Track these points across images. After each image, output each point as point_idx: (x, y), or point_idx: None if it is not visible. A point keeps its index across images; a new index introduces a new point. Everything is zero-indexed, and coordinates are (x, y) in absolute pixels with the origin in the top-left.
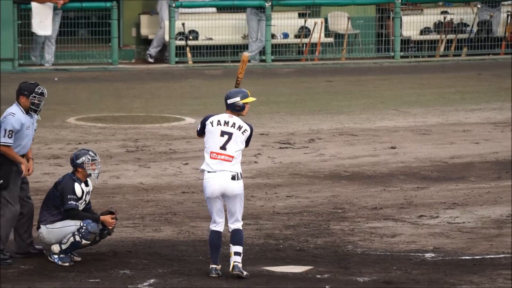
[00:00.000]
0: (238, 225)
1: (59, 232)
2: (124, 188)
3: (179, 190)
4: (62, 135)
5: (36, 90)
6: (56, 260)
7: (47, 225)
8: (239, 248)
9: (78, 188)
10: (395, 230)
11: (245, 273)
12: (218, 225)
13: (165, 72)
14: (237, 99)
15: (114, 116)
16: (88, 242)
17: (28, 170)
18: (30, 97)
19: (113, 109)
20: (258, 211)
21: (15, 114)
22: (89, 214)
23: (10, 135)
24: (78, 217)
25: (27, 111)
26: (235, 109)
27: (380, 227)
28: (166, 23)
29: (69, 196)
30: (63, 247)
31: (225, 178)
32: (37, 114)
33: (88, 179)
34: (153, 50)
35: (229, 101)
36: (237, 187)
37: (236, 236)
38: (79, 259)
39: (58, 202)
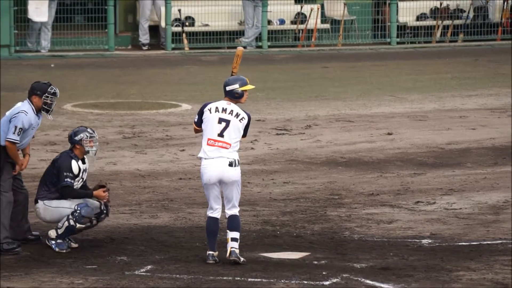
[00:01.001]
0: (235, 211)
1: (54, 211)
2: (120, 174)
3: (176, 176)
4: (58, 122)
5: (48, 90)
6: (53, 246)
7: (45, 201)
8: (236, 234)
9: (75, 165)
10: (392, 216)
11: (242, 259)
12: (215, 212)
13: (161, 59)
14: (236, 86)
15: (111, 102)
16: (83, 225)
17: (22, 165)
18: (43, 97)
19: (110, 95)
20: (255, 197)
21: (28, 113)
22: (83, 191)
23: (19, 133)
24: (73, 194)
25: (38, 111)
26: (234, 96)
27: (377, 213)
28: (162, 9)
29: (65, 174)
30: (59, 232)
31: (222, 165)
32: (49, 114)
33: (85, 156)
34: (142, 38)
35: (227, 88)
36: (234, 173)
37: (233, 222)
38: (76, 245)
39: (55, 180)
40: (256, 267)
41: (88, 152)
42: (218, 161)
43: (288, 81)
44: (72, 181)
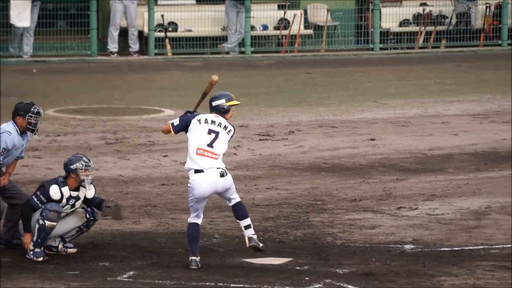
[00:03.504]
0: (237, 198)
1: (35, 228)
2: (103, 180)
3: (159, 182)
4: (40, 127)
5: (32, 109)
6: (31, 256)
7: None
8: (247, 221)
9: (55, 190)
10: (374, 221)
11: (261, 244)
12: (198, 218)
13: (144, 64)
14: (222, 101)
15: (93, 108)
16: (54, 223)
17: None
18: (27, 117)
19: (92, 101)
20: None
21: (12, 133)
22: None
23: (2, 153)
24: (29, 211)
25: (23, 131)
26: (220, 111)
27: (360, 218)
28: (145, 14)
29: (37, 193)
30: (34, 238)
31: (214, 177)
32: (34, 134)
33: (81, 186)
34: (111, 46)
35: (214, 103)
36: (227, 182)
37: (239, 211)
38: (74, 250)
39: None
40: (238, 273)
41: (83, 181)
42: (209, 173)
43: (271, 86)
44: (38, 203)
